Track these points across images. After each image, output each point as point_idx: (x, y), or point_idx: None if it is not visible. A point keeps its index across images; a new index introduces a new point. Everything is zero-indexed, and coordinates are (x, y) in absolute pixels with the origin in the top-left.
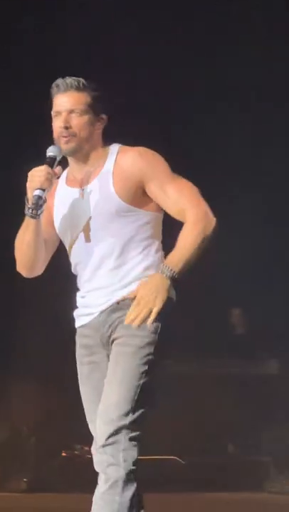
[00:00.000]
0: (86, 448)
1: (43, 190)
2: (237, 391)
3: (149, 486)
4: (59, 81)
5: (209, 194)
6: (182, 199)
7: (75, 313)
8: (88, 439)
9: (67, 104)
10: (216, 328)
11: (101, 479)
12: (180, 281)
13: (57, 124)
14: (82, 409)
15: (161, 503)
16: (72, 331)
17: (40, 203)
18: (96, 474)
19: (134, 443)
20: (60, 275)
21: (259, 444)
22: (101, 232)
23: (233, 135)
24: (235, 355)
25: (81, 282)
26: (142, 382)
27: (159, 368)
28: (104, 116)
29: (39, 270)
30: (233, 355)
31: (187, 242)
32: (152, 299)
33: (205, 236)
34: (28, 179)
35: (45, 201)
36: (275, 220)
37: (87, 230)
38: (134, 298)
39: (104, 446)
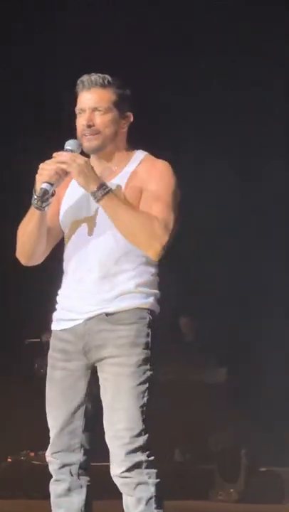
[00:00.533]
0: (32, 454)
1: (51, 184)
2: (182, 399)
3: (99, 493)
4: (84, 77)
5: None
6: (159, 215)
7: (56, 315)
8: (35, 444)
9: (91, 101)
10: (165, 335)
11: (131, 501)
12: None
13: (80, 122)
14: (29, 415)
15: (109, 509)
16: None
17: (46, 196)
18: (43, 480)
19: (152, 458)
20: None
21: (205, 452)
22: (102, 235)
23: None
24: (182, 362)
25: (68, 281)
26: (145, 399)
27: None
28: (129, 114)
29: (37, 260)
30: (180, 362)
31: (138, 215)
32: (73, 164)
33: (141, 239)
34: (38, 171)
35: (53, 195)
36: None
37: (89, 228)
38: (124, 313)
39: (128, 470)
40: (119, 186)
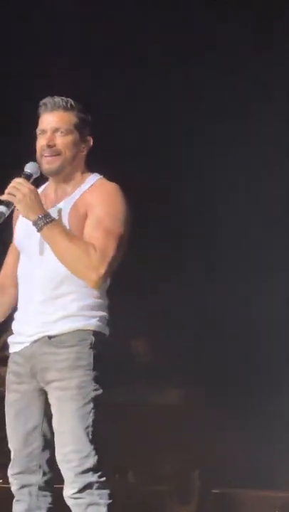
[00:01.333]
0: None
1: (8, 206)
2: (137, 419)
3: None
4: (47, 100)
5: None
6: (97, 243)
7: (9, 339)
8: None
9: (53, 122)
10: (117, 356)
11: None
12: None
13: (40, 143)
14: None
15: None
16: None
17: (0, 218)
18: (9, 501)
19: (103, 479)
20: None
21: (158, 474)
22: (47, 259)
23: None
24: (138, 384)
25: (19, 304)
26: (91, 420)
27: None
28: (89, 138)
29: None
30: (136, 384)
31: (74, 244)
32: (18, 195)
33: (78, 268)
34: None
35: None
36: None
37: (35, 252)
38: (66, 335)
39: (79, 491)
40: (62, 210)
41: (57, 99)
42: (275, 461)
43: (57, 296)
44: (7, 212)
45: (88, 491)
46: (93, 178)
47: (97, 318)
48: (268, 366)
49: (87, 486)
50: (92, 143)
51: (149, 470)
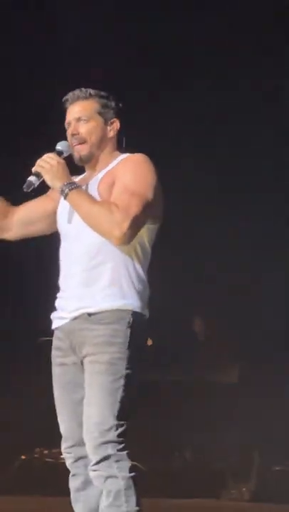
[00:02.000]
0: (45, 451)
1: (38, 177)
2: (197, 398)
3: None
4: (68, 94)
5: None
6: (120, 203)
7: (52, 314)
8: (49, 442)
9: (75, 113)
10: (177, 335)
11: (103, 494)
12: None
13: (68, 134)
14: (44, 412)
15: None
16: (29, 336)
17: (31, 187)
18: (56, 477)
19: (124, 453)
20: None
21: (218, 451)
22: (86, 235)
23: None
24: (196, 362)
25: (60, 281)
26: (119, 396)
27: (137, 380)
28: (115, 121)
29: (6, 231)
30: (194, 362)
31: (97, 204)
32: (46, 166)
33: (103, 227)
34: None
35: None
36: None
37: (76, 229)
38: (105, 313)
39: (97, 463)
40: (93, 184)
41: (77, 91)
42: None
43: (94, 266)
44: (36, 182)
45: (106, 462)
46: (122, 156)
47: (137, 297)
48: None
49: (106, 458)
50: (119, 125)
51: (209, 448)
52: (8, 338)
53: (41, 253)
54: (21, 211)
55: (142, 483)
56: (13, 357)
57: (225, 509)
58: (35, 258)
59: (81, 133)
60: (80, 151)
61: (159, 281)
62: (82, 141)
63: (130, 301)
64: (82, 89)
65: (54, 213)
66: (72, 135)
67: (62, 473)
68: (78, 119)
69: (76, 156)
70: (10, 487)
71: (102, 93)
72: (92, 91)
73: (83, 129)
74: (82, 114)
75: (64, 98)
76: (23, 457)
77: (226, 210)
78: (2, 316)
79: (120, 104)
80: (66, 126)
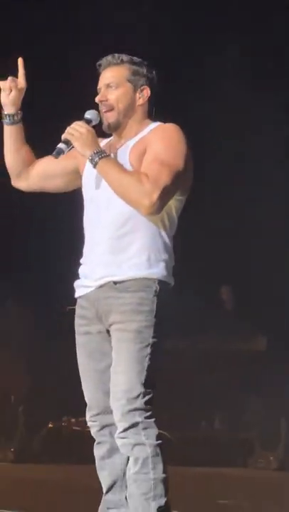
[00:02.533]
0: (73, 420)
1: (67, 144)
2: (224, 367)
3: None
4: (101, 60)
5: None
6: (150, 173)
7: (75, 283)
8: (76, 410)
9: (105, 79)
10: (204, 304)
11: (130, 461)
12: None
13: (96, 100)
14: (71, 381)
15: None
16: (58, 305)
17: (60, 154)
18: (83, 446)
19: (151, 420)
20: None
21: (245, 421)
22: (115, 204)
23: None
24: (224, 331)
25: (85, 248)
26: (146, 364)
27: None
28: (145, 88)
29: (23, 180)
30: (221, 331)
31: (127, 174)
32: (76, 133)
33: (132, 197)
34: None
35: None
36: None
37: (102, 197)
38: (131, 281)
39: (124, 430)
40: (123, 152)
41: (108, 56)
42: None
43: (121, 235)
44: (66, 150)
45: (134, 429)
46: (154, 125)
47: (163, 266)
48: None
49: (133, 425)
50: (149, 92)
51: (236, 416)
52: (37, 305)
53: (68, 219)
54: (41, 164)
55: (170, 452)
56: (41, 325)
57: (252, 478)
58: (61, 224)
59: (109, 99)
60: (108, 118)
61: (187, 249)
62: (110, 108)
63: (156, 269)
64: (115, 54)
65: (73, 172)
66: (100, 101)
67: (89, 441)
68: (108, 86)
69: (105, 123)
70: (37, 455)
71: (135, 59)
72: (124, 57)
73: (111, 95)
74: (111, 81)
75: (97, 63)
76: (50, 425)
77: (258, 175)
78: (31, 284)
79: (153, 72)
80: (98, 91)
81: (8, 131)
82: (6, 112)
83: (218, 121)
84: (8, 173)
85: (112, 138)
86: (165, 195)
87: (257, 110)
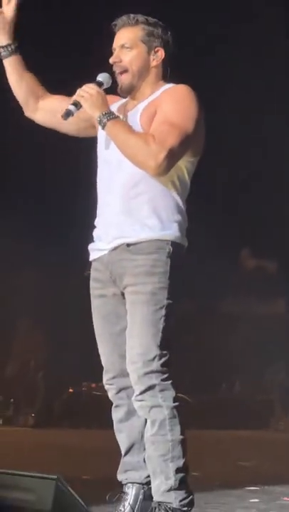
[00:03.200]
0: (93, 385)
1: (76, 106)
2: (243, 330)
3: None
4: (116, 20)
5: None
6: (158, 134)
7: (90, 246)
8: (95, 376)
9: (120, 40)
10: (220, 267)
11: (148, 423)
12: None
13: (110, 61)
14: (90, 346)
15: None
16: (78, 267)
17: (69, 116)
18: (103, 410)
19: (168, 382)
20: None
21: (266, 383)
22: (126, 165)
23: None
24: (242, 292)
25: (98, 211)
26: (161, 326)
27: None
28: (159, 49)
29: (32, 111)
30: (239, 294)
31: (134, 135)
32: (86, 95)
33: (138, 158)
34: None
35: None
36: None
37: (115, 158)
38: (144, 243)
39: (141, 393)
40: (135, 114)
41: (124, 17)
42: None
43: (133, 196)
44: (75, 111)
45: (151, 392)
46: (167, 86)
47: (176, 228)
48: None
49: (150, 388)
50: (164, 54)
51: (257, 379)
52: (55, 271)
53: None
54: (54, 100)
55: (189, 415)
56: (63, 289)
57: (273, 440)
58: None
59: (123, 61)
60: (122, 80)
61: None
62: (124, 70)
63: (169, 231)
64: (130, 15)
65: (84, 121)
66: (114, 63)
67: (108, 406)
68: (122, 46)
69: (119, 86)
70: (57, 420)
71: (150, 20)
72: (139, 17)
73: (126, 56)
74: (125, 41)
75: (112, 23)
76: (70, 390)
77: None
78: (51, 250)
79: (168, 33)
80: (112, 51)
81: (6, 63)
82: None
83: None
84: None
85: (126, 100)
86: (172, 156)
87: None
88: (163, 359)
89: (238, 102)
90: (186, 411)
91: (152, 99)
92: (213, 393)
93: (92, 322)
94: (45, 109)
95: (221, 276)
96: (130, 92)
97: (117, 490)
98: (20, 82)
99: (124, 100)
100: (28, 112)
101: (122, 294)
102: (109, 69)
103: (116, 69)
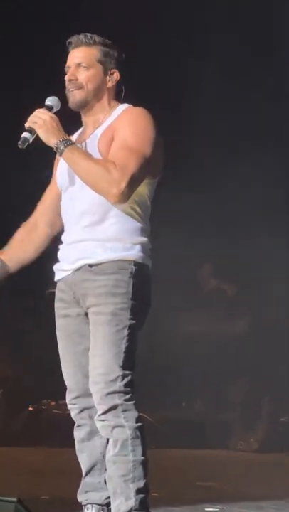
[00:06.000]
0: (52, 403)
1: (31, 133)
2: (204, 348)
3: None
4: (72, 37)
5: None
6: (118, 160)
7: (54, 266)
8: (56, 394)
9: (76, 58)
10: (183, 286)
11: (109, 443)
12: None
13: (66, 78)
14: (50, 364)
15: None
16: (38, 287)
17: (25, 143)
18: (63, 429)
19: (131, 403)
20: None
21: (226, 403)
22: (86, 193)
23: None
24: (202, 312)
25: (63, 235)
26: (123, 346)
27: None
28: (115, 71)
29: (54, 228)
30: (200, 312)
31: (94, 162)
32: (39, 121)
33: (100, 186)
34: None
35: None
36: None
37: (75, 186)
38: (106, 264)
39: (104, 413)
40: (93, 140)
41: (80, 35)
42: None
43: (95, 223)
44: (31, 138)
45: (113, 412)
46: (122, 107)
47: (139, 248)
48: None
49: (113, 408)
50: (119, 76)
51: (217, 398)
52: (19, 289)
53: None
54: (48, 208)
55: (150, 434)
56: (23, 308)
57: (233, 459)
58: None
59: (79, 79)
60: (76, 95)
61: (165, 231)
62: (79, 87)
63: (132, 252)
64: (87, 34)
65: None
66: (70, 80)
67: (69, 424)
68: (78, 65)
69: (71, 100)
70: (17, 438)
71: (106, 41)
72: (96, 38)
73: (82, 75)
74: (82, 61)
75: (68, 40)
76: (30, 408)
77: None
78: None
79: (123, 55)
80: (66, 69)
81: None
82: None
83: None
84: None
85: (81, 129)
86: (133, 182)
87: None
88: (126, 379)
89: None
90: (146, 430)
91: (109, 123)
92: (172, 412)
93: (53, 340)
94: (54, 217)
95: (181, 295)
96: (82, 107)
97: (77, 511)
98: (28, 253)
99: (79, 130)
100: (55, 232)
101: (86, 314)
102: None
103: (71, 87)
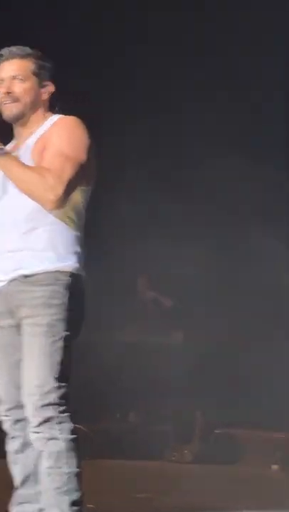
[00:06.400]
0: None
1: None
2: (138, 359)
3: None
4: (4, 50)
5: None
6: (53, 167)
7: None
8: None
9: (11, 71)
10: (120, 296)
11: (43, 456)
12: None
13: (0, 91)
14: None
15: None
16: None
17: None
18: None
19: (65, 415)
20: None
21: (161, 414)
22: (21, 201)
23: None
24: (138, 323)
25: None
26: (59, 358)
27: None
28: (49, 83)
29: None
30: (135, 323)
31: (29, 169)
32: None
33: (36, 193)
34: None
35: None
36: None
37: (9, 192)
38: (42, 275)
39: (38, 425)
40: (26, 149)
41: (14, 48)
42: (277, 403)
43: (29, 231)
44: None
45: (48, 424)
46: (54, 118)
47: (74, 259)
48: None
49: (47, 420)
50: (53, 88)
51: (152, 410)
52: None
53: None
54: None
55: (85, 445)
56: None
57: (166, 470)
58: None
59: (15, 92)
60: (12, 108)
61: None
62: (16, 100)
63: (68, 262)
64: (20, 46)
65: None
66: (6, 93)
67: (1, 436)
68: (13, 78)
69: (6, 112)
70: None
71: (39, 53)
72: (29, 50)
73: (18, 88)
74: (18, 73)
75: None
76: None
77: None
78: None
79: (53, 67)
80: None
81: None
82: None
83: None
84: None
85: (13, 141)
86: (69, 189)
87: None
88: (60, 391)
89: None
90: (81, 442)
91: (41, 133)
92: (107, 423)
93: None
94: None
95: (118, 305)
96: (18, 120)
97: None
98: None
99: (11, 143)
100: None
101: (18, 326)
102: None
103: (6, 100)
